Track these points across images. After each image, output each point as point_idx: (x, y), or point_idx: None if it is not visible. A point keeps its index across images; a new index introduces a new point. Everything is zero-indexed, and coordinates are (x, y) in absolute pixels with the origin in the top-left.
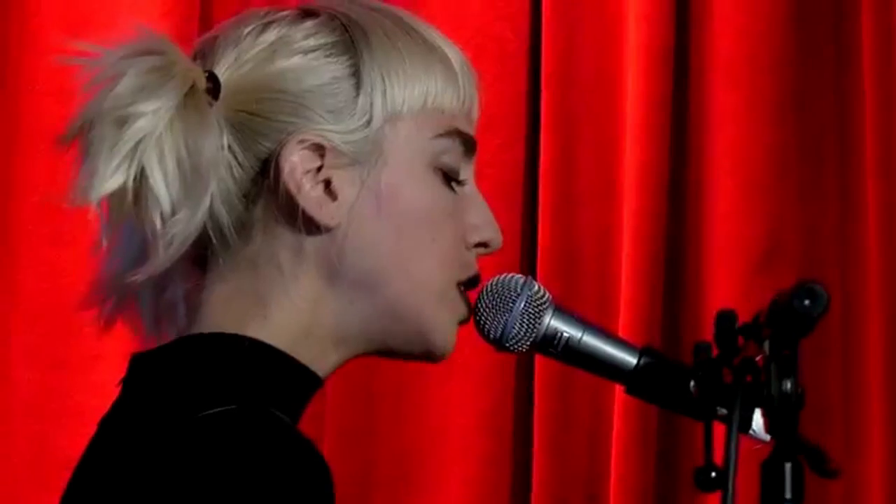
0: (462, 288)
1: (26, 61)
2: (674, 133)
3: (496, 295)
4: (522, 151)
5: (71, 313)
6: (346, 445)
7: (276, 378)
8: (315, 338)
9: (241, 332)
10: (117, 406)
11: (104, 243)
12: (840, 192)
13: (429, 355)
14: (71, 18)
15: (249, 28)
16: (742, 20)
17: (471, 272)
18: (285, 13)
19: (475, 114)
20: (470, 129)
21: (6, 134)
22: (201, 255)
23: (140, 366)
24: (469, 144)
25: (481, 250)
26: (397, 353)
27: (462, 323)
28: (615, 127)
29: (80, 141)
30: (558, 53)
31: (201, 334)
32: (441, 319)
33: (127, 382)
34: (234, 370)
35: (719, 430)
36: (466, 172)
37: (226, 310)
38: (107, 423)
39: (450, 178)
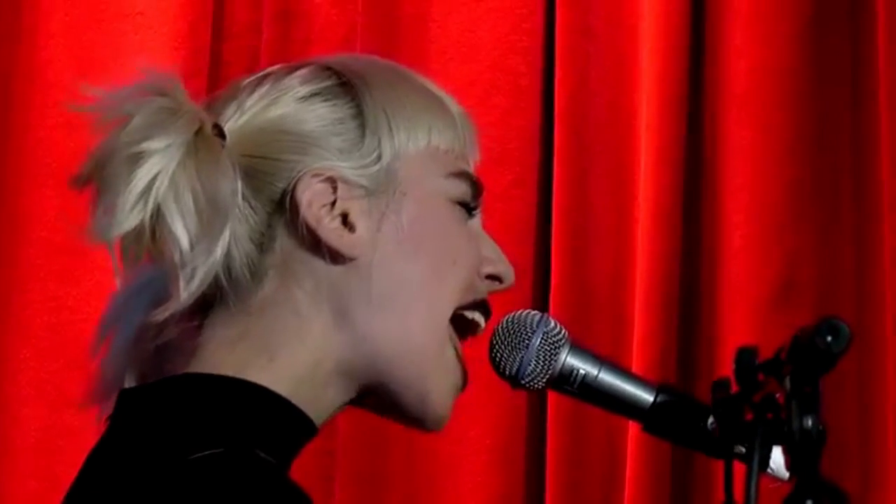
0: (460, 353)
1: (34, 95)
2: (688, 169)
3: (512, 331)
4: (535, 186)
5: (79, 350)
6: (358, 484)
7: (269, 422)
8: (318, 378)
9: (240, 375)
10: (103, 443)
11: (118, 285)
12: (856, 229)
13: (422, 408)
14: (78, 52)
15: (246, 82)
16: (757, 56)
17: (480, 296)
18: (279, 66)
19: (475, 158)
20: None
21: (15, 168)
22: (204, 303)
23: (128, 403)
24: (476, 188)
25: (496, 285)
26: (393, 396)
27: (458, 391)
28: (629, 162)
29: (94, 181)
30: (572, 88)
31: (196, 374)
32: (442, 376)
33: (114, 419)
34: (225, 412)
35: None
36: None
37: (227, 353)
38: (92, 461)
39: (465, 207)
